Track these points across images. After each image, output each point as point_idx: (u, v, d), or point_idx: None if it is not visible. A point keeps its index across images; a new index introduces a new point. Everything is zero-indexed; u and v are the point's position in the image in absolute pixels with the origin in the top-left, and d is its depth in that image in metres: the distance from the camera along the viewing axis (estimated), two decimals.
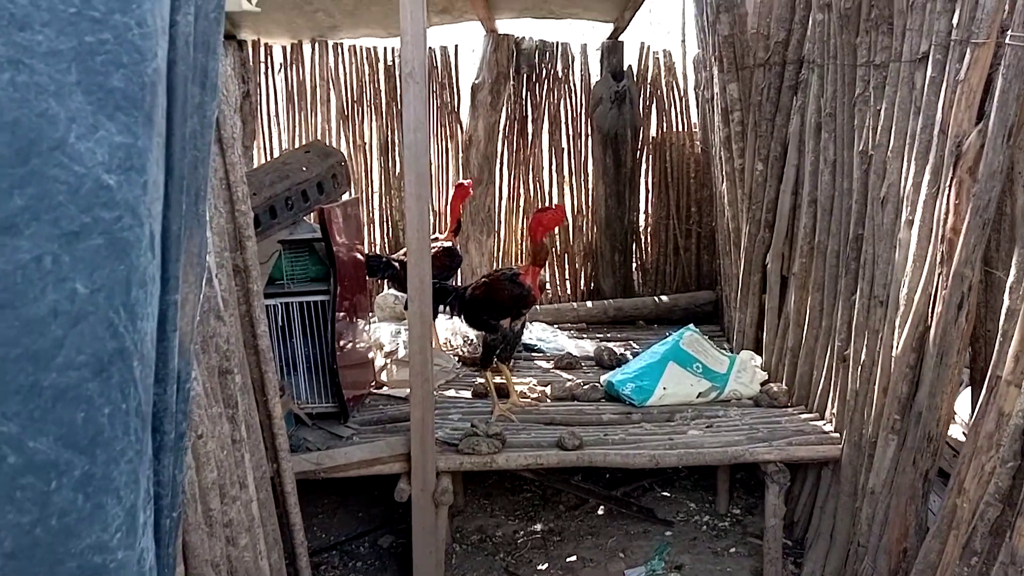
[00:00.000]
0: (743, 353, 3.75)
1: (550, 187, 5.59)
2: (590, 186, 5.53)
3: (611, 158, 5.31)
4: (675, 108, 5.38)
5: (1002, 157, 2.09)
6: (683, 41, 5.32)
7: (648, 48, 5.36)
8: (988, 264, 2.30)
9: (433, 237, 3.56)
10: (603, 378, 3.67)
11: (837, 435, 2.98)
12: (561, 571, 3.11)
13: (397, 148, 5.46)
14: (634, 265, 5.57)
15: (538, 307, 4.73)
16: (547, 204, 5.58)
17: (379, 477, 3.08)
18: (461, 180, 4.68)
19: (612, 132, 5.24)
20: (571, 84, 5.46)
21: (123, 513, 0.69)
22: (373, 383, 3.74)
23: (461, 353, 4.27)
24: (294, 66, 5.33)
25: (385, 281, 4.73)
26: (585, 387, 3.60)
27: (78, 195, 0.64)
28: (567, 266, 5.62)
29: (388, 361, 4.01)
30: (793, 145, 3.38)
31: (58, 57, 0.62)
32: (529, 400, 3.53)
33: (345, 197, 3.72)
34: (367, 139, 5.50)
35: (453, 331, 4.49)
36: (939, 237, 2.31)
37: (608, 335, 4.73)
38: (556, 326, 4.90)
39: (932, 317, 2.36)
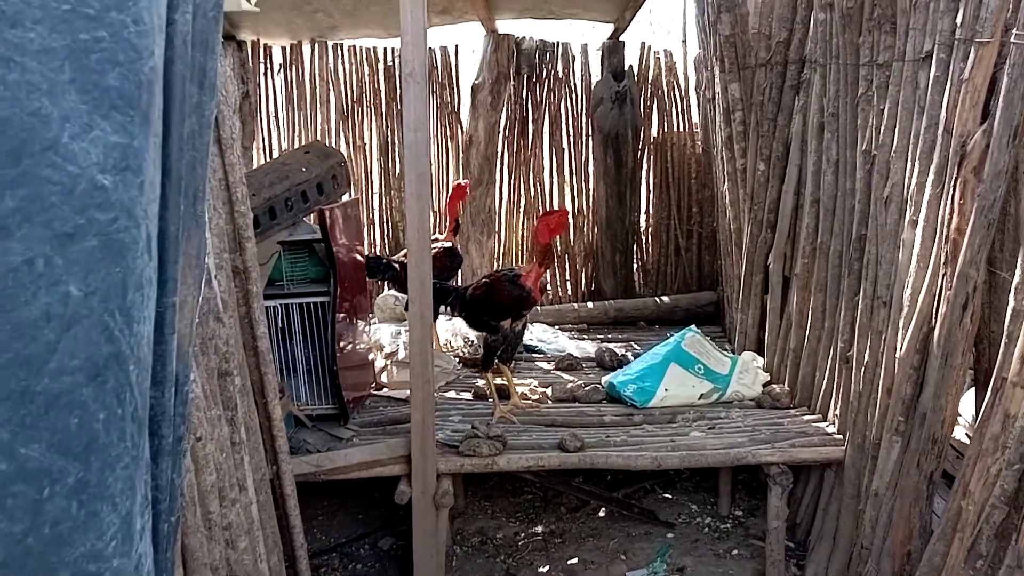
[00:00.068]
0: (745, 354, 3.73)
1: (551, 188, 5.58)
2: (591, 187, 5.52)
3: (612, 158, 5.30)
4: (676, 108, 5.36)
5: (1007, 157, 2.08)
6: (684, 41, 5.31)
7: (649, 48, 5.34)
8: (992, 265, 2.29)
9: (433, 237, 3.55)
10: (604, 379, 3.65)
11: (840, 437, 2.97)
12: (562, 573, 3.10)
13: (397, 149, 5.45)
14: (635, 266, 5.56)
15: (539, 308, 4.71)
16: (547, 205, 5.58)
17: (379, 479, 3.07)
18: (459, 180, 4.67)
19: (613, 132, 5.23)
20: (572, 84, 5.44)
21: (118, 520, 0.68)
22: (373, 385, 3.72)
23: (462, 354, 4.26)
24: (294, 66, 5.32)
25: (385, 282, 4.71)
26: (586, 388, 3.59)
27: (72, 196, 0.63)
28: (568, 267, 5.61)
29: (388, 362, 4.00)
30: (795, 145, 3.36)
31: (51, 55, 0.61)
32: (530, 401, 3.52)
33: (345, 198, 3.71)
34: (367, 140, 5.48)
35: (454, 332, 4.48)
36: (943, 237, 2.29)
37: (609, 336, 4.72)
38: (557, 327, 4.89)
39: (936, 318, 2.34)
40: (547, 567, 3.13)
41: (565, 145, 5.51)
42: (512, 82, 5.24)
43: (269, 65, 5.30)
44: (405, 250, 3.08)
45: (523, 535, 3.35)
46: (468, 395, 3.69)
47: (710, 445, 3.03)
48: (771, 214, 3.58)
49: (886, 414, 2.57)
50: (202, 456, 1.81)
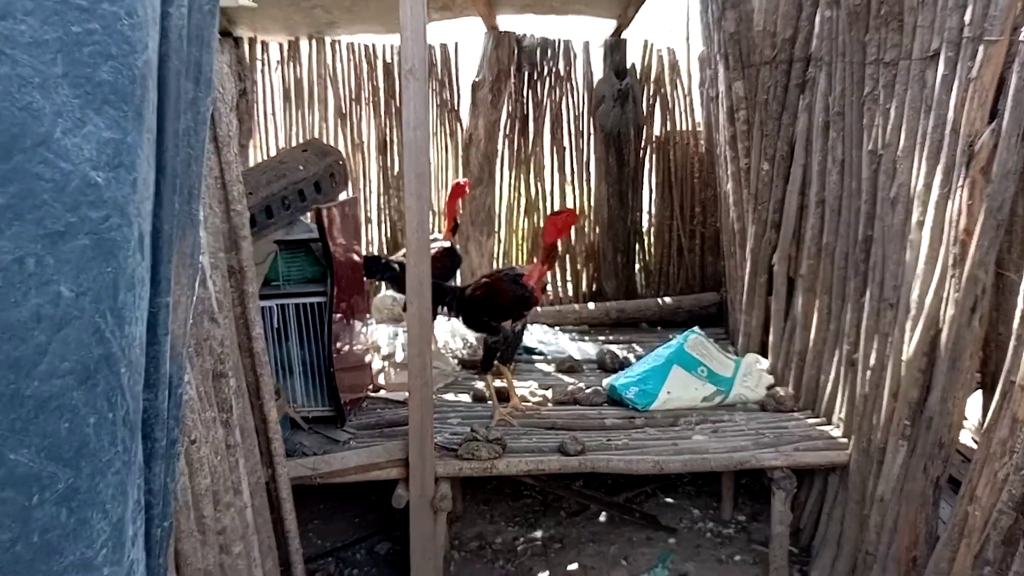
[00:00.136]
0: (748, 356, 3.71)
1: (551, 187, 5.55)
2: (592, 186, 5.50)
3: (614, 157, 5.28)
4: (679, 107, 5.34)
5: (1016, 157, 2.05)
6: (687, 38, 5.28)
7: (652, 46, 5.32)
8: (999, 266, 2.26)
9: (432, 237, 3.52)
10: (605, 382, 3.62)
11: (845, 440, 2.94)
12: None
13: (395, 147, 5.43)
14: (637, 266, 5.54)
15: (539, 309, 4.69)
16: (548, 204, 5.56)
17: (376, 481, 3.04)
18: (458, 179, 4.65)
19: (615, 131, 5.21)
20: (573, 82, 5.42)
21: (109, 528, 0.66)
22: (370, 386, 3.69)
23: (460, 356, 4.23)
24: (291, 63, 5.29)
25: (383, 282, 4.68)
26: (587, 391, 3.56)
27: (64, 193, 0.60)
28: (569, 267, 5.58)
29: (386, 364, 3.97)
30: (800, 144, 3.34)
31: (43, 48, 0.59)
32: (530, 404, 3.49)
33: (343, 197, 3.68)
34: (365, 138, 5.46)
35: (452, 333, 4.45)
36: (951, 239, 2.27)
37: (610, 337, 4.69)
38: (557, 328, 4.87)
39: (944, 320, 2.31)
40: (547, 572, 3.10)
41: (566, 144, 5.48)
42: (513, 80, 5.21)
43: (267, 62, 5.27)
44: (404, 250, 3.05)
45: (522, 540, 3.32)
46: (467, 397, 3.66)
47: (713, 449, 3.00)
48: (775, 214, 3.56)
49: (892, 418, 2.55)
50: (196, 459, 1.78)
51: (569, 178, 5.55)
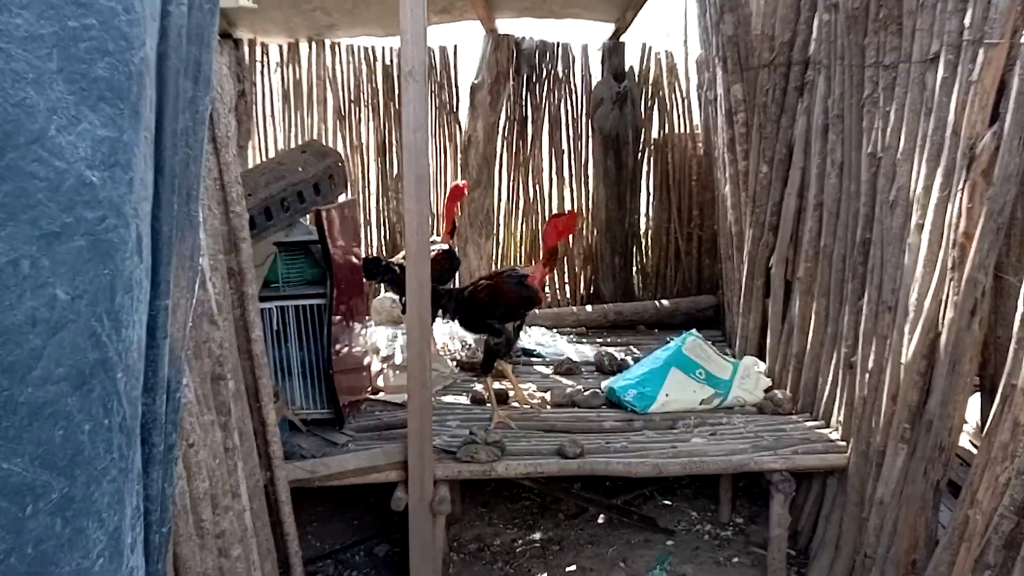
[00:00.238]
0: (746, 358, 3.70)
1: (550, 189, 5.55)
2: (590, 188, 5.49)
3: (612, 160, 5.27)
4: (677, 109, 5.34)
5: (1018, 160, 2.05)
6: (685, 42, 5.29)
7: (650, 49, 5.32)
8: (998, 269, 2.26)
9: (431, 239, 3.51)
10: (604, 384, 3.62)
11: (843, 443, 2.93)
12: None
13: (395, 149, 5.42)
14: (634, 269, 5.53)
15: (537, 311, 4.68)
16: (547, 207, 5.55)
17: (375, 484, 3.03)
18: (457, 181, 4.64)
19: (613, 134, 5.20)
20: (572, 85, 5.41)
21: (105, 537, 0.64)
22: (369, 389, 3.68)
23: (459, 358, 4.22)
24: (291, 65, 5.28)
25: (382, 284, 4.67)
26: (586, 393, 3.55)
27: (58, 193, 0.59)
28: (567, 270, 5.58)
29: (385, 366, 3.96)
30: (799, 147, 3.33)
31: (38, 42, 0.58)
32: (537, 401, 3.51)
33: (342, 198, 3.67)
34: (364, 140, 5.45)
35: (451, 335, 4.44)
36: (951, 241, 2.26)
37: (608, 340, 4.68)
38: (555, 330, 4.85)
39: (943, 323, 2.31)
40: (545, 574, 3.09)
41: (565, 146, 5.48)
42: (512, 82, 5.21)
43: (266, 64, 5.26)
44: (403, 252, 3.04)
45: (521, 542, 3.31)
46: (465, 399, 3.65)
47: (712, 452, 3.00)
48: (773, 217, 3.55)
49: (891, 421, 2.54)
50: (194, 463, 1.77)
51: (567, 180, 5.54)
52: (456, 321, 3.53)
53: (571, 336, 4.78)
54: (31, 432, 0.58)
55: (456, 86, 5.44)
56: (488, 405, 3.43)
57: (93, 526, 0.65)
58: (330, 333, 3.12)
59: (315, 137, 5.29)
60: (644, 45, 5.34)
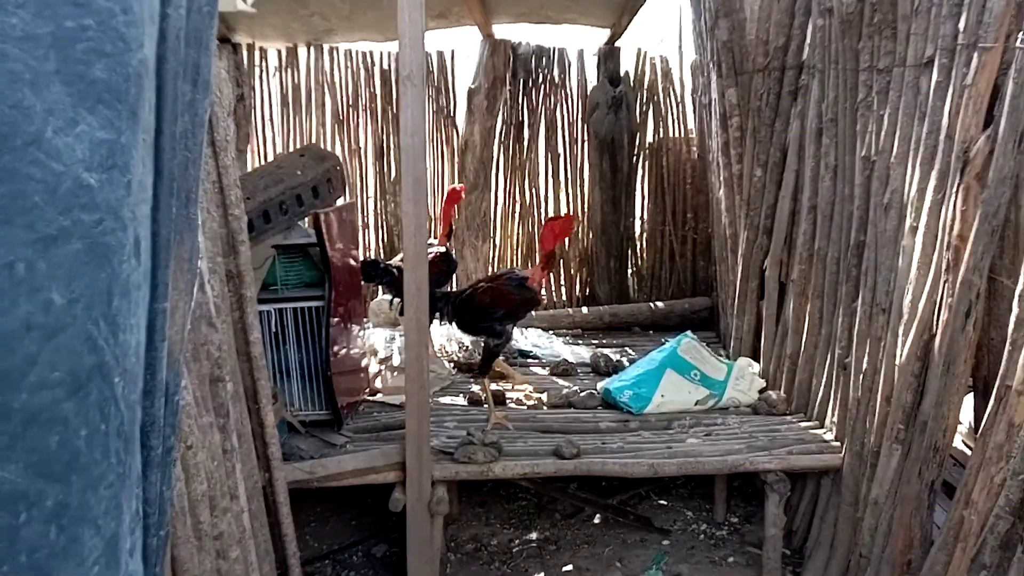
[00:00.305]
0: (740, 359, 3.71)
1: (546, 193, 5.56)
2: (586, 192, 5.51)
3: (607, 164, 5.28)
4: (672, 114, 5.36)
5: (1012, 163, 2.06)
6: (679, 47, 5.31)
7: (645, 54, 5.34)
8: (992, 271, 2.27)
9: (427, 242, 3.51)
10: (600, 385, 3.62)
11: (838, 444, 2.94)
12: None
13: (392, 153, 5.42)
14: (630, 271, 5.54)
15: (533, 313, 4.69)
16: (543, 210, 5.56)
17: (373, 484, 3.03)
18: (454, 184, 4.64)
19: (608, 138, 5.21)
20: (568, 89, 5.43)
21: (102, 544, 0.64)
22: (367, 390, 3.68)
23: (456, 359, 4.22)
24: (289, 70, 5.28)
25: (380, 287, 4.67)
26: (582, 394, 3.56)
27: (55, 195, 0.59)
28: (562, 272, 5.58)
29: (383, 368, 3.96)
30: (793, 151, 3.35)
31: (35, 43, 0.57)
32: (535, 401, 3.53)
33: (340, 202, 3.67)
34: (362, 143, 5.45)
35: (448, 337, 4.44)
36: (945, 244, 2.27)
37: (604, 341, 4.69)
38: (551, 332, 4.86)
39: (937, 325, 2.32)
40: (542, 574, 3.10)
41: (561, 150, 5.49)
42: (508, 87, 5.22)
43: (265, 68, 5.26)
44: (401, 254, 3.04)
45: (517, 542, 3.31)
46: (462, 400, 3.65)
47: (707, 452, 3.00)
48: (768, 220, 3.56)
49: (885, 422, 2.55)
50: (192, 465, 1.77)
51: (563, 184, 5.55)
52: (454, 324, 3.53)
53: (567, 338, 4.79)
54: (25, 439, 0.57)
55: (453, 90, 5.46)
56: (485, 406, 3.44)
57: (89, 533, 0.64)
58: (328, 335, 3.13)
59: (313, 141, 5.29)
60: (639, 50, 5.36)
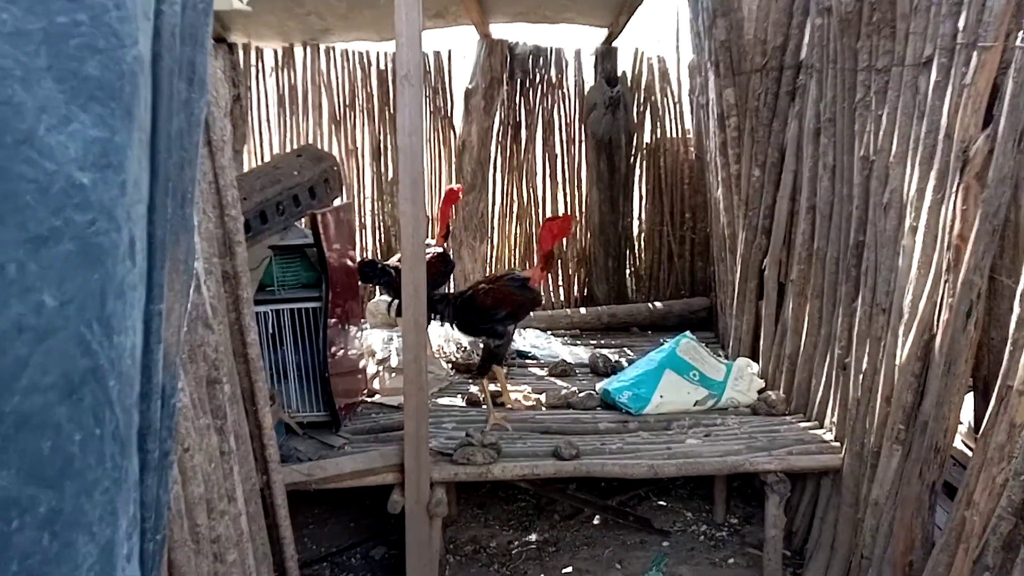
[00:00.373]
0: (739, 360, 3.71)
1: (544, 193, 5.55)
2: (584, 192, 5.50)
3: (605, 164, 5.27)
4: (669, 114, 5.35)
5: (1012, 162, 2.05)
6: (677, 47, 5.30)
7: (642, 54, 5.33)
8: (992, 271, 2.26)
9: (425, 243, 3.50)
10: (599, 386, 3.61)
11: (837, 444, 2.94)
12: None
13: (389, 153, 5.41)
14: (628, 271, 5.54)
15: (532, 313, 4.68)
16: (540, 210, 5.55)
17: (371, 486, 3.01)
18: (451, 185, 4.63)
19: (606, 138, 5.21)
20: (565, 89, 5.42)
21: (96, 551, 0.63)
22: (365, 391, 3.67)
23: (454, 360, 4.21)
24: (286, 70, 5.27)
25: (378, 287, 4.66)
26: (581, 395, 3.55)
27: (47, 195, 0.58)
28: (561, 272, 5.58)
29: (380, 369, 3.95)
30: (791, 151, 3.34)
31: (26, 38, 0.56)
32: (533, 401, 3.51)
33: (337, 202, 3.66)
34: (359, 144, 5.44)
35: (446, 338, 4.43)
36: (945, 244, 2.27)
37: (602, 342, 4.68)
38: (550, 333, 4.85)
39: (938, 325, 2.31)
40: None
41: (558, 150, 5.48)
42: (505, 87, 5.21)
43: (261, 68, 5.24)
44: (398, 255, 3.03)
45: (517, 544, 3.30)
46: (461, 401, 3.64)
47: (707, 453, 3.00)
48: (766, 220, 3.56)
49: (885, 422, 2.54)
50: (189, 467, 1.76)
51: (561, 184, 5.54)
52: (455, 325, 3.52)
53: (565, 338, 4.78)
54: (17, 444, 0.56)
55: (450, 91, 5.44)
56: (484, 407, 3.42)
57: (83, 540, 0.62)
58: (326, 336, 3.11)
59: (311, 141, 5.28)
60: (636, 50, 5.35)
